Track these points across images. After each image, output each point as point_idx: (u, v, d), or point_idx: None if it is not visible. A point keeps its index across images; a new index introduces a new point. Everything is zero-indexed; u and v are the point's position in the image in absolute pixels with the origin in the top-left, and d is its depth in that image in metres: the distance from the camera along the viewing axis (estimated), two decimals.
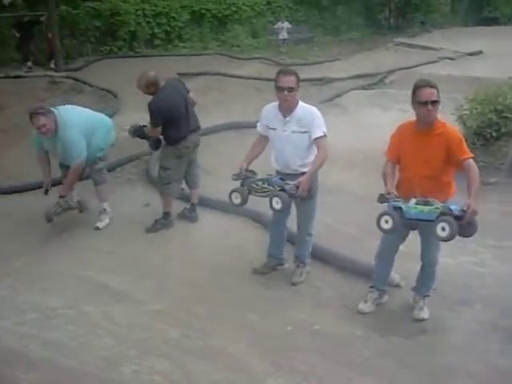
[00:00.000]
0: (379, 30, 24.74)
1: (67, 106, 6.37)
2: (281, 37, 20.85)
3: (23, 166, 8.54)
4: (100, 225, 6.38)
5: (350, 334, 4.41)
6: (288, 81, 4.72)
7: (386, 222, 4.18)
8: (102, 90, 13.53)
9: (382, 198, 4.27)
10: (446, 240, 4.01)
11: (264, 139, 5.07)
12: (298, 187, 4.68)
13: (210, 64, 16.38)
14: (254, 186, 4.89)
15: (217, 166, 8.11)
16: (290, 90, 4.70)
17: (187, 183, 6.52)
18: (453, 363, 4.03)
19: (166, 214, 6.29)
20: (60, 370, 3.94)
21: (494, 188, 7.68)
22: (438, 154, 4.18)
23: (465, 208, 3.96)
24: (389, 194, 4.24)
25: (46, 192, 6.24)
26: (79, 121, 6.13)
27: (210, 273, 5.34)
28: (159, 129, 5.93)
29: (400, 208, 4.18)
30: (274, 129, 4.90)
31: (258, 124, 5.06)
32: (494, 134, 8.14)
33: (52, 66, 16.64)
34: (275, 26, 21.31)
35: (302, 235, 5.16)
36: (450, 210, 3.99)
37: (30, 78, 15.19)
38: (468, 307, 4.68)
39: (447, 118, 8.55)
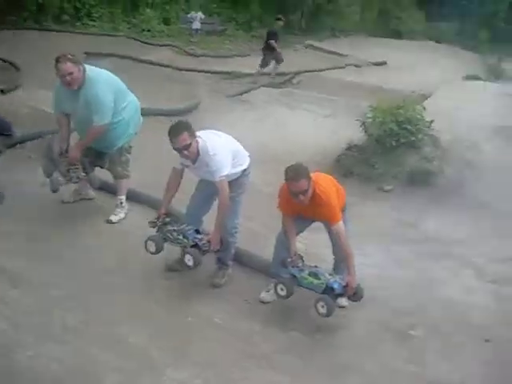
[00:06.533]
0: (291, 29, 25.07)
1: (96, 68, 5.61)
2: (194, 26, 20.72)
3: None
4: (114, 218, 5.87)
5: (250, 329, 4.51)
6: (181, 140, 4.60)
7: (282, 289, 4.64)
8: (4, 61, 12.71)
9: (284, 264, 4.72)
10: (325, 316, 4.46)
11: (179, 174, 4.92)
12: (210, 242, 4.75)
13: (119, 46, 16.00)
14: (169, 235, 4.84)
15: None
16: (186, 147, 4.62)
17: None
18: (348, 361, 4.22)
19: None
20: None
21: (388, 196, 8.07)
22: (318, 212, 4.62)
23: (344, 284, 4.51)
24: (290, 258, 4.67)
25: (61, 155, 5.57)
26: (111, 80, 5.56)
27: (114, 260, 5.25)
28: None
29: (295, 276, 4.65)
30: (189, 166, 4.87)
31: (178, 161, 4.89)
32: (394, 143, 8.52)
33: None
34: (189, 15, 21.15)
35: (223, 236, 4.93)
36: (333, 289, 4.49)
37: None
38: (361, 307, 4.86)
39: (352, 123, 8.96)
